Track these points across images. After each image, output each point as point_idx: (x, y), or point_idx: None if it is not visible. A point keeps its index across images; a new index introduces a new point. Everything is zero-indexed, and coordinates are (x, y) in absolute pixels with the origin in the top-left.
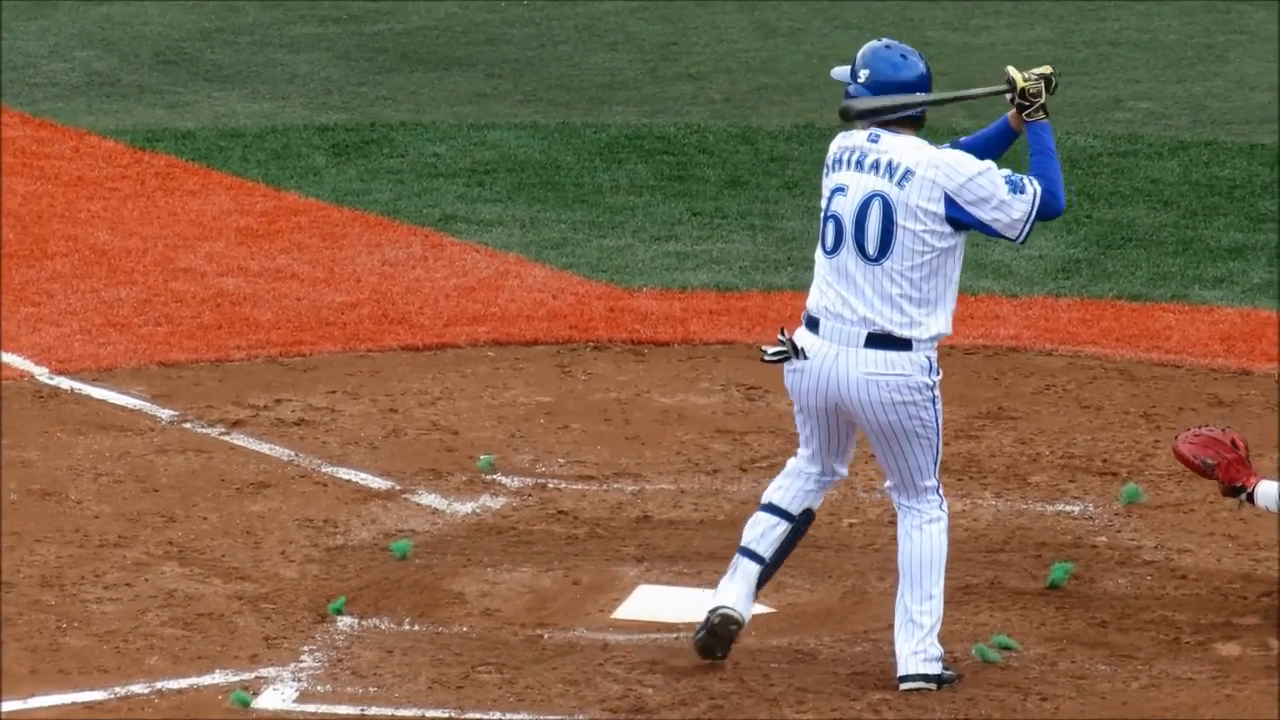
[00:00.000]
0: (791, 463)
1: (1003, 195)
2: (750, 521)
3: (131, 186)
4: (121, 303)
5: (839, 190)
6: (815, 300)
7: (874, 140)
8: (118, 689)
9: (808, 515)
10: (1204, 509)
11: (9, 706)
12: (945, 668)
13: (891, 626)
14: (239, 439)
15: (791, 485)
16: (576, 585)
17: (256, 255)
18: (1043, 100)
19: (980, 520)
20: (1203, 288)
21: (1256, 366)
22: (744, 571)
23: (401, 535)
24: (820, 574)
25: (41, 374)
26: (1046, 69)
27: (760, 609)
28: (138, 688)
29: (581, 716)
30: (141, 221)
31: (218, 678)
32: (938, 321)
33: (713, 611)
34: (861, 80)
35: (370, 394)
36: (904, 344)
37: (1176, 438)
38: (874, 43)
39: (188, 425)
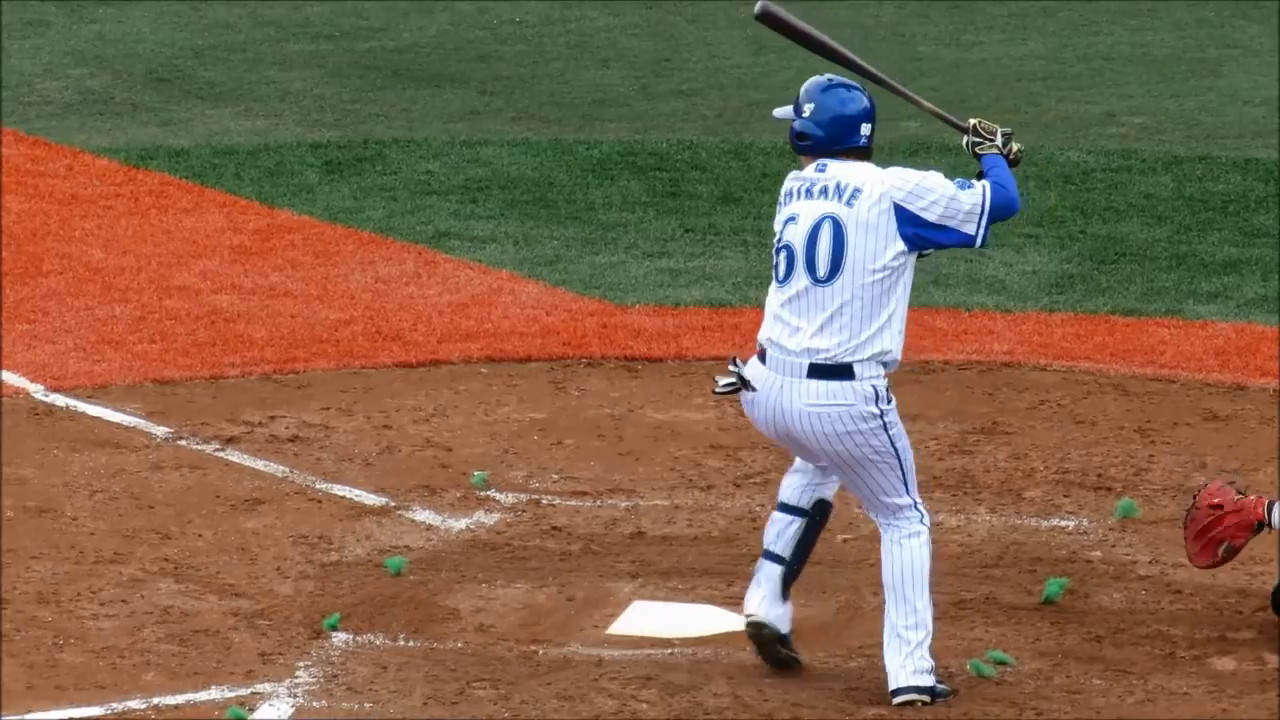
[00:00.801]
0: (797, 459)
1: (950, 191)
2: (768, 523)
3: (125, 204)
4: (116, 320)
5: (790, 220)
6: (763, 332)
7: (821, 170)
8: (114, 705)
9: (822, 506)
10: None
11: None
12: (938, 681)
13: None
14: (233, 456)
15: (798, 480)
16: (571, 601)
17: (250, 273)
18: (995, 142)
19: (975, 535)
20: (1197, 302)
21: (1251, 381)
22: (766, 574)
23: (396, 551)
24: (814, 589)
25: (37, 391)
26: (1009, 130)
27: None
28: (134, 703)
29: None
30: (135, 239)
31: (214, 693)
32: (882, 341)
33: (745, 622)
34: (806, 115)
35: (364, 411)
36: (846, 373)
37: (1189, 557)
38: (816, 78)
39: (182, 442)
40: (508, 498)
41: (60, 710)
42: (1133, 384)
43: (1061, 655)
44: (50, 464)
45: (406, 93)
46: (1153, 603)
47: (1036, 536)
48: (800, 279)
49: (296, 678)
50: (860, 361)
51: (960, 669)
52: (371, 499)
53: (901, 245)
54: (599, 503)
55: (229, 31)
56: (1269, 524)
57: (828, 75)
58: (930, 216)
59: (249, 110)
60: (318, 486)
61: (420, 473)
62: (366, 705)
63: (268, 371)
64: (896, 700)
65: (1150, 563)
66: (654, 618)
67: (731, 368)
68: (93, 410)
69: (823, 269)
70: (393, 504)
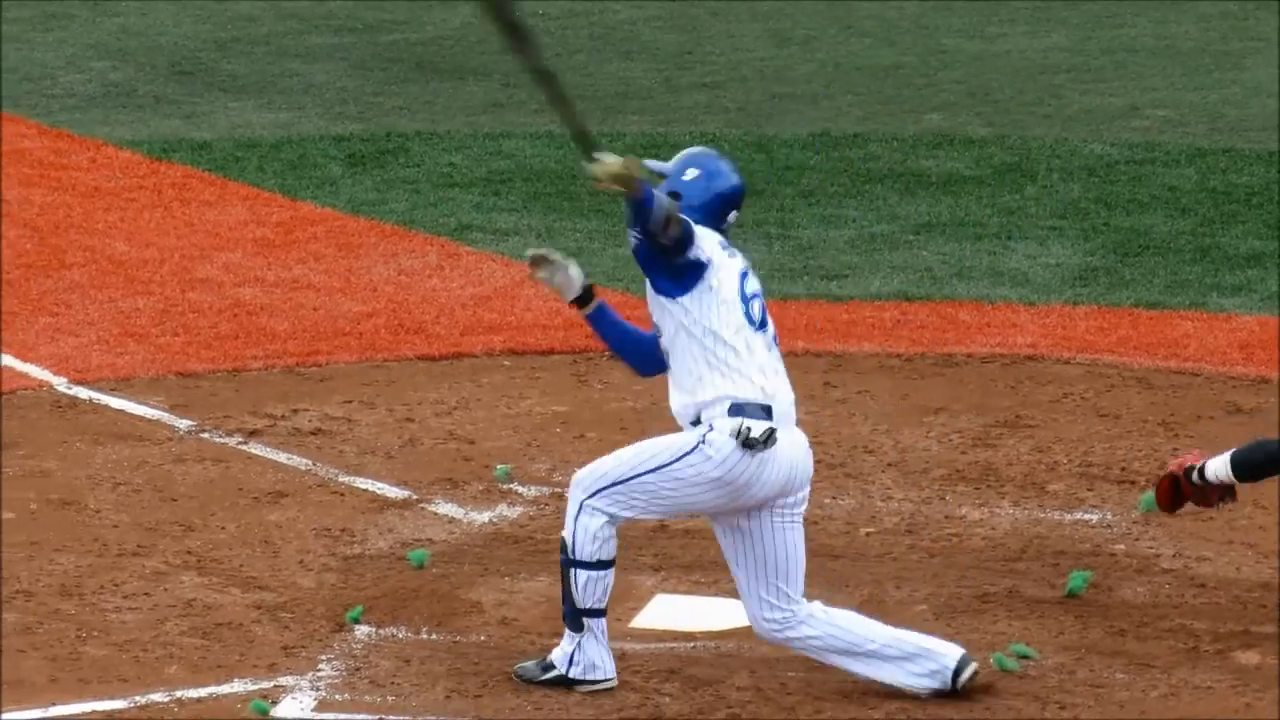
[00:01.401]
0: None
1: None
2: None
3: (148, 197)
4: (139, 313)
5: (746, 274)
6: (761, 387)
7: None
8: (137, 698)
9: None
10: (1222, 517)
11: (31, 715)
12: None
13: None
14: (256, 448)
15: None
16: None
17: (273, 265)
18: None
19: (998, 529)
20: (1221, 295)
21: (1275, 374)
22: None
23: (418, 544)
24: (837, 583)
25: (60, 384)
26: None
27: None
28: (157, 696)
29: None
30: (158, 232)
31: (236, 686)
32: None
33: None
34: (687, 178)
35: (387, 403)
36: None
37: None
38: (701, 149)
39: (205, 435)
40: (530, 491)
41: (83, 703)
42: (1156, 377)
43: (1085, 649)
44: (73, 457)
45: (429, 85)
46: (1176, 596)
47: (1060, 530)
48: (769, 334)
49: (319, 671)
50: None
51: (983, 662)
52: (394, 492)
53: None
54: None
55: (252, 24)
56: (1200, 470)
57: (710, 150)
58: None
59: (272, 103)
60: (340, 479)
61: (442, 466)
62: (389, 698)
63: (290, 364)
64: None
65: (1174, 556)
66: (677, 611)
67: (756, 429)
68: (116, 403)
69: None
70: (415, 497)
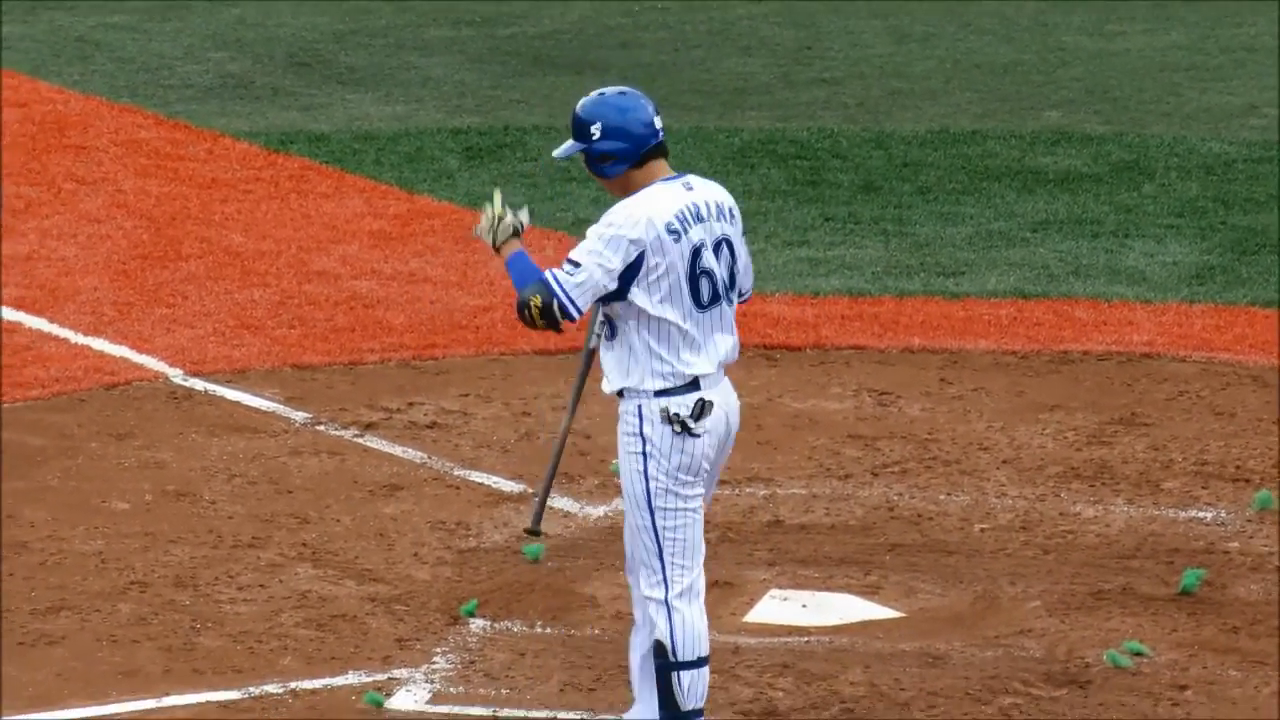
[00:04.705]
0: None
1: None
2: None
3: (265, 189)
4: (255, 305)
5: (701, 247)
6: (696, 365)
7: (689, 188)
8: (252, 689)
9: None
10: None
11: (145, 705)
12: None
13: (1023, 631)
14: (372, 441)
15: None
16: (708, 588)
17: (390, 258)
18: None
19: (1112, 526)
20: None
21: None
22: None
23: (533, 538)
24: (951, 579)
25: (176, 375)
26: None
27: (891, 613)
28: (271, 688)
29: (713, 719)
30: (275, 224)
31: (351, 678)
32: None
33: None
34: (597, 137)
35: (503, 397)
36: None
37: None
38: (586, 102)
39: (321, 427)
40: None
41: (197, 694)
42: (1272, 375)
43: (1198, 646)
44: (189, 448)
45: (547, 79)
46: None
47: (1174, 528)
48: (722, 302)
49: (433, 663)
50: None
51: (1096, 659)
52: (509, 485)
53: None
54: (737, 491)
55: (370, 16)
56: None
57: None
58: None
59: (390, 96)
60: (456, 473)
61: None
62: (503, 691)
63: (406, 358)
64: None
65: None
66: (790, 606)
67: (682, 410)
68: (231, 395)
69: (725, 289)
70: (531, 491)
